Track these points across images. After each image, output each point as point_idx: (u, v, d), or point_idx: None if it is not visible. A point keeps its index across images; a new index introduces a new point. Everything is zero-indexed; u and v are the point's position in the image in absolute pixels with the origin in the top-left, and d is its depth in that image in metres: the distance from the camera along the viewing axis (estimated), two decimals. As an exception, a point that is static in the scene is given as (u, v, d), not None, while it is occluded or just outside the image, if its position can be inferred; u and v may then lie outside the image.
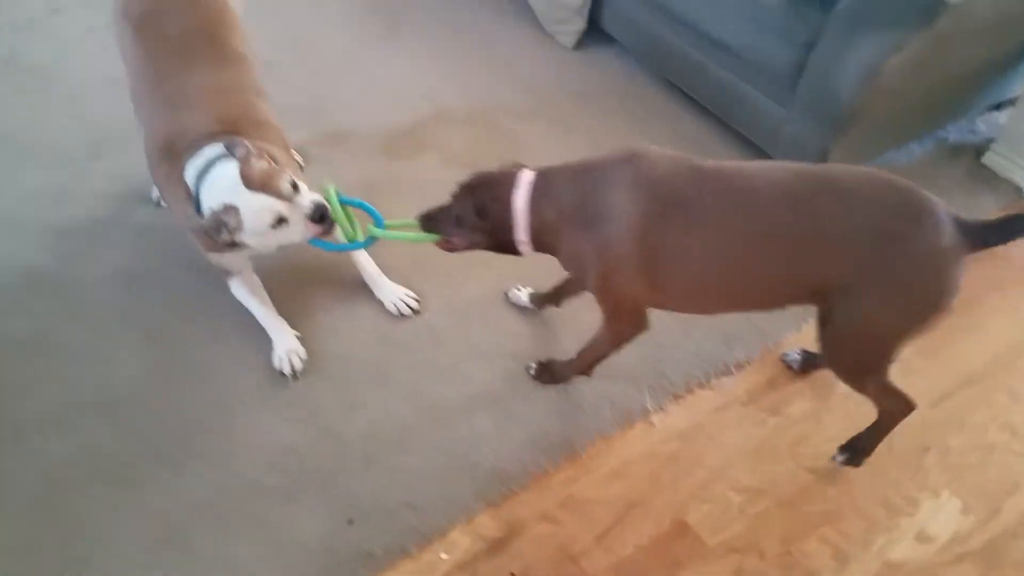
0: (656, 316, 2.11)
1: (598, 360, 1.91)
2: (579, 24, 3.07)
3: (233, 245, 1.84)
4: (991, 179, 2.64)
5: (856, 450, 1.84)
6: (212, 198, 1.76)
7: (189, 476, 1.77)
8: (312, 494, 1.76)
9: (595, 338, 1.84)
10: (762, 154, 2.59)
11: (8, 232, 2.31)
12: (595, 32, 3.12)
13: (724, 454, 1.87)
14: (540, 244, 1.70)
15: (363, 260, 2.18)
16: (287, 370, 2.01)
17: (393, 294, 2.15)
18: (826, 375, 2.02)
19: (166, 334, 2.07)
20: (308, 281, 2.19)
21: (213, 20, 1.98)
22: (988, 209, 2.52)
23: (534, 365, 2.01)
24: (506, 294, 2.19)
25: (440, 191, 2.47)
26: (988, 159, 2.68)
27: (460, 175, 1.77)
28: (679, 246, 1.54)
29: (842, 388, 1.98)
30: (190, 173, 1.81)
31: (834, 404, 1.97)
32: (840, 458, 1.85)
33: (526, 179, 1.66)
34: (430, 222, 1.78)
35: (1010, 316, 2.20)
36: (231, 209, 1.72)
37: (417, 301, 2.16)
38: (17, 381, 1.95)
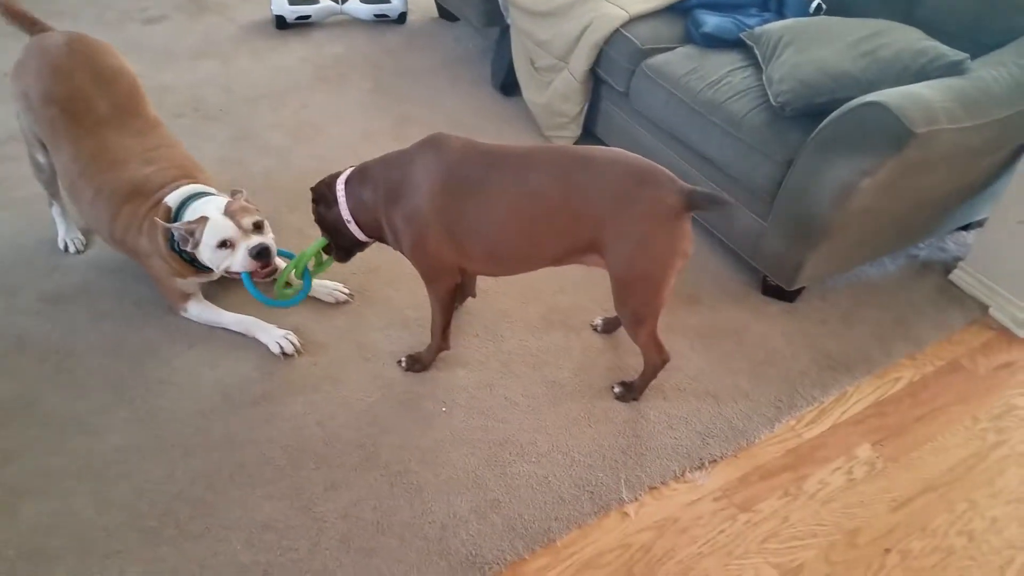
0: (635, 409, 2.22)
1: (444, 327, 2.19)
2: (575, 131, 3.27)
3: (194, 265, 2.16)
4: (959, 296, 2.75)
5: (630, 388, 2.24)
6: (194, 214, 2.07)
7: (167, 548, 1.79)
8: (285, 574, 1.78)
9: (432, 310, 2.16)
10: (744, 263, 2.73)
11: (1, 296, 2.39)
12: (589, 136, 3.31)
13: (696, 548, 1.92)
14: (365, 226, 2.04)
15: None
16: (288, 349, 2.23)
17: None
18: (802, 474, 2.12)
19: (154, 406, 2.11)
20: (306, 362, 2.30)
21: (130, 94, 2.33)
22: (955, 324, 2.65)
23: (404, 359, 2.28)
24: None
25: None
26: (955, 277, 2.81)
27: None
28: (471, 211, 1.87)
29: (811, 487, 2.08)
30: (172, 200, 2.13)
31: (802, 503, 2.04)
32: (617, 390, 2.25)
33: (347, 170, 2.05)
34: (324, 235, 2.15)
35: (969, 425, 2.29)
36: (203, 220, 2.05)
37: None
38: (-1, 444, 1.99)
